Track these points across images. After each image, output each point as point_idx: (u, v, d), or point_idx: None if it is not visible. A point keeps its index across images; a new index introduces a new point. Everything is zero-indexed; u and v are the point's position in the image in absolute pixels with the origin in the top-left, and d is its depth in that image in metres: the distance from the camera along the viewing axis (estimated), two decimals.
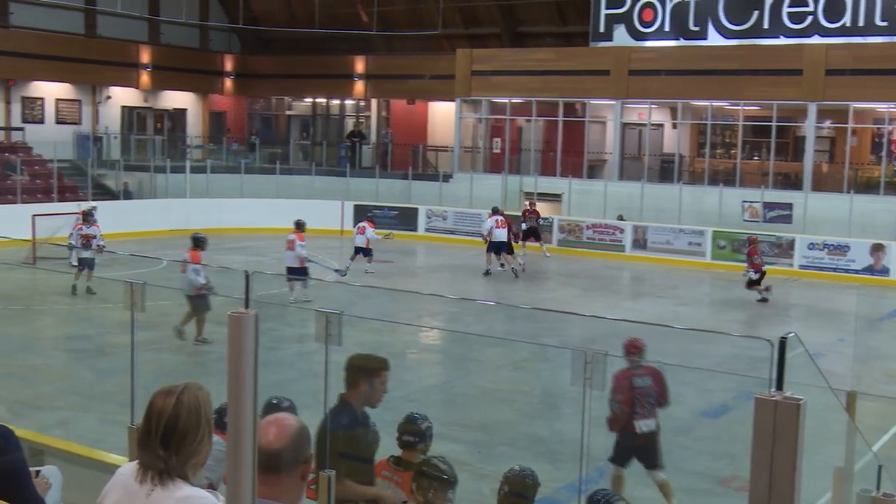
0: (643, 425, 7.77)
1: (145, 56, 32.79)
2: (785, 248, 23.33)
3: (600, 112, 29.42)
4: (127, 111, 33.36)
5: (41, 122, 30.67)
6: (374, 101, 35.19)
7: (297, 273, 16.80)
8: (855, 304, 18.85)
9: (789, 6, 25.88)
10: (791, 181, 26.84)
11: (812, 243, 23.08)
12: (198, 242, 14.51)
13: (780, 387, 1.87)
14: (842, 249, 22.68)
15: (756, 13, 26.38)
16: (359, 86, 34.02)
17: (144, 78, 32.90)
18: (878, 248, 22.35)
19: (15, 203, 24.45)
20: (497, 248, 21.36)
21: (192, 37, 35.33)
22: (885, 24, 24.76)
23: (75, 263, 17.61)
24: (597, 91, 28.25)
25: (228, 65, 35.79)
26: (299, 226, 17.21)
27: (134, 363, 5.75)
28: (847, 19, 25.19)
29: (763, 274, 19.08)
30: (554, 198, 27.74)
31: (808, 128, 25.92)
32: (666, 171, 28.71)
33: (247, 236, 25.80)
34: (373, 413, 5.16)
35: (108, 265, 18.38)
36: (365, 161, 33.38)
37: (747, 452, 1.76)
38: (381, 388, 5.10)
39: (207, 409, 2.65)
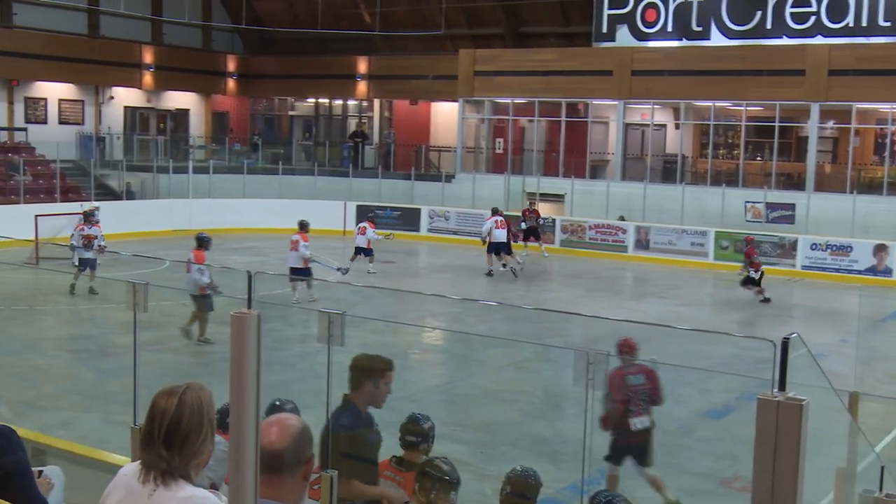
0: (638, 422, 7.85)
1: (148, 56, 32.82)
2: (787, 249, 23.30)
3: (603, 112, 29.40)
4: (130, 111, 33.39)
5: (44, 122, 30.71)
6: (376, 102, 35.20)
7: (301, 273, 16.82)
8: (858, 305, 18.82)
9: (792, 6, 25.86)
10: (794, 182, 26.83)
11: (815, 244, 23.06)
12: (202, 242, 14.54)
13: (782, 387, 1.87)
14: (844, 250, 22.66)
15: (759, 13, 26.37)
16: (361, 86, 34.03)
17: (147, 78, 32.93)
18: (880, 249, 22.32)
19: (18, 203, 24.47)
20: (496, 248, 21.38)
21: (194, 37, 35.37)
22: (888, 24, 24.73)
23: (77, 264, 17.63)
24: (599, 91, 28.24)
25: (231, 65, 35.81)
26: (303, 226, 17.22)
27: (136, 363, 5.75)
28: (850, 19, 25.17)
29: (762, 274, 19.08)
30: (556, 198, 27.74)
31: (811, 128, 25.90)
32: (669, 171, 28.69)
33: (249, 237, 25.82)
34: (375, 413, 5.16)
35: (110, 265, 18.40)
36: (367, 161, 33.38)
37: (750, 453, 1.75)
38: (385, 389, 5.10)
39: (210, 410, 2.66)
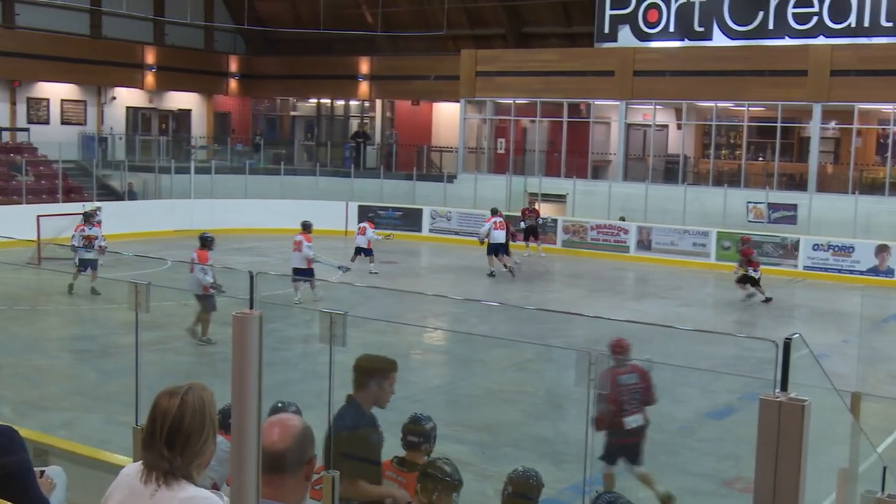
0: (631, 421, 7.91)
1: (150, 57, 32.84)
2: (789, 249, 23.28)
3: (605, 113, 29.40)
4: (132, 112, 33.41)
5: (46, 122, 30.73)
6: (378, 102, 35.21)
7: (304, 274, 16.84)
8: (860, 306, 18.81)
9: (794, 7, 25.86)
10: (796, 182, 26.81)
11: (817, 244, 23.04)
12: (205, 242, 14.57)
13: (784, 388, 1.87)
14: (846, 250, 22.64)
15: (761, 14, 26.36)
16: (363, 86, 34.04)
17: (149, 79, 32.95)
18: (882, 249, 22.30)
19: (20, 203, 24.48)
20: (495, 249, 21.41)
21: (196, 38, 35.39)
22: (890, 24, 24.73)
23: (77, 264, 17.65)
24: (601, 92, 28.24)
25: (233, 65, 35.82)
26: (306, 227, 17.24)
27: (138, 364, 5.75)
28: (852, 20, 25.16)
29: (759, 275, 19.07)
30: (558, 199, 27.72)
31: (813, 128, 25.88)
32: (670, 171, 28.69)
33: (251, 237, 25.82)
34: (377, 413, 5.16)
35: (112, 265, 18.41)
36: (369, 162, 33.40)
37: (752, 454, 1.75)
38: (389, 390, 5.12)
39: (212, 410, 2.66)
